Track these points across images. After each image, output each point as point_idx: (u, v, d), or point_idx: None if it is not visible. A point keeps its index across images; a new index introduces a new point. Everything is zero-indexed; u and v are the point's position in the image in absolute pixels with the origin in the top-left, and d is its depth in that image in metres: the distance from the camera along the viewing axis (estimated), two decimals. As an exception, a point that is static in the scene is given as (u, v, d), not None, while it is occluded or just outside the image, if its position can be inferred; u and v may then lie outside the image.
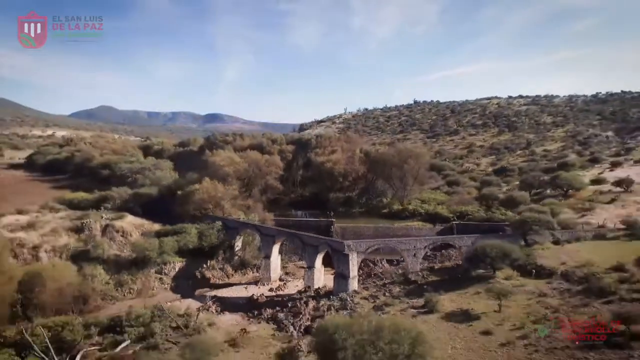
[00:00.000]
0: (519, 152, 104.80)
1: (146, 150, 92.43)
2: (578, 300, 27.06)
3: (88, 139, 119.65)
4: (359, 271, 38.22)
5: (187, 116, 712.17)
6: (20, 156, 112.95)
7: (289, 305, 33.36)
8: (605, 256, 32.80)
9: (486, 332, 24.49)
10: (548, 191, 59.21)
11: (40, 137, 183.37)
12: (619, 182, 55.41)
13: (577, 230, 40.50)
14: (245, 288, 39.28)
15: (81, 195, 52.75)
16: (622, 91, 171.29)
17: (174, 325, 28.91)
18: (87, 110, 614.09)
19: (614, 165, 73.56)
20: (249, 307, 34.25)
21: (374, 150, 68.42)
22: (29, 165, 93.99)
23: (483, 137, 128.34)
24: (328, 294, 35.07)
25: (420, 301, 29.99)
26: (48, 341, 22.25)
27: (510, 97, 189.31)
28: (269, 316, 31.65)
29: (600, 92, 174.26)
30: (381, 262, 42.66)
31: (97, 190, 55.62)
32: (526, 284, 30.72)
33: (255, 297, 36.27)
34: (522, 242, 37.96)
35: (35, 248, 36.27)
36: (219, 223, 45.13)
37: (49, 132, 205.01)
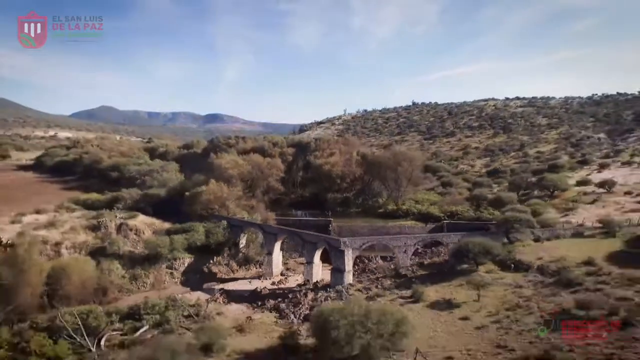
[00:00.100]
0: (512, 153, 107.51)
1: (151, 152, 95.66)
2: (549, 290, 30.18)
3: (93, 140, 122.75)
4: (354, 267, 41.45)
5: (187, 116, 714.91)
6: (26, 157, 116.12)
7: (290, 296, 36.58)
8: (579, 252, 35.67)
9: (464, 318, 27.69)
10: (535, 192, 62.25)
11: (43, 138, 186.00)
12: (602, 184, 58.46)
13: (557, 228, 43.51)
14: (249, 282, 42.49)
15: (94, 196, 56.08)
16: (617, 93, 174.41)
17: (186, 313, 32.10)
18: (87, 111, 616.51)
19: (602, 166, 75.90)
20: (253, 298, 37.47)
21: (370, 153, 71.50)
22: (38, 166, 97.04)
23: (479, 139, 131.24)
24: (325, 287, 38.28)
25: (408, 292, 33.17)
26: (81, 324, 25.37)
27: (507, 98, 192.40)
28: (271, 306, 34.85)
29: (596, 94, 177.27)
30: (375, 259, 45.72)
31: (107, 191, 58.94)
32: (505, 277, 33.89)
33: (258, 289, 39.49)
34: (505, 240, 41.05)
35: (57, 245, 39.52)
36: (224, 222, 48.39)
37: (51, 132, 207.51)
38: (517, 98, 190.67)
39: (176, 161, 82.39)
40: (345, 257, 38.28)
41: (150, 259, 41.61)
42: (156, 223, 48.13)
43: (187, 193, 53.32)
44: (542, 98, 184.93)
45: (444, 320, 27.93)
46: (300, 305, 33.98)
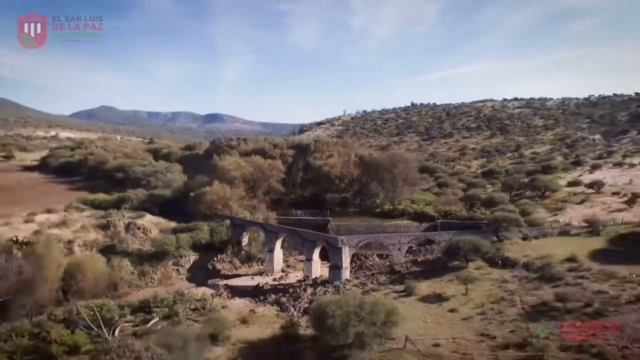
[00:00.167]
0: (508, 154, 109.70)
1: (155, 154, 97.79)
2: (532, 285, 32.32)
3: (96, 141, 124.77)
4: (352, 264, 43.65)
5: (187, 116, 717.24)
6: (30, 158, 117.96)
7: (290, 291, 38.74)
8: (565, 250, 37.62)
9: (453, 310, 29.84)
10: (527, 192, 64.37)
11: (44, 138, 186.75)
12: (591, 184, 60.54)
13: (545, 227, 45.62)
14: (252, 278, 44.62)
15: (101, 196, 58.20)
16: (614, 94, 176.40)
17: (193, 307, 34.10)
18: (87, 111, 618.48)
19: (594, 167, 77.51)
20: (255, 293, 39.61)
21: (367, 155, 73.58)
22: (43, 167, 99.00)
23: (476, 140, 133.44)
24: (324, 282, 40.45)
25: (402, 287, 35.30)
26: (99, 315, 27.50)
27: (505, 99, 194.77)
28: (273, 300, 37.00)
29: (593, 95, 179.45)
30: (372, 257, 47.83)
31: (114, 191, 61.10)
32: (492, 272, 36.01)
33: (260, 285, 41.65)
34: (495, 238, 43.21)
35: (69, 242, 41.60)
36: (227, 221, 50.55)
37: (52, 132, 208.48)
38: (515, 99, 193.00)
39: (179, 162, 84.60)
40: (343, 255, 40.42)
41: (157, 256, 43.68)
42: (162, 222, 50.26)
43: (192, 193, 55.48)
44: (539, 99, 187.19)
45: (434, 312, 30.07)
46: (300, 299, 36.12)
